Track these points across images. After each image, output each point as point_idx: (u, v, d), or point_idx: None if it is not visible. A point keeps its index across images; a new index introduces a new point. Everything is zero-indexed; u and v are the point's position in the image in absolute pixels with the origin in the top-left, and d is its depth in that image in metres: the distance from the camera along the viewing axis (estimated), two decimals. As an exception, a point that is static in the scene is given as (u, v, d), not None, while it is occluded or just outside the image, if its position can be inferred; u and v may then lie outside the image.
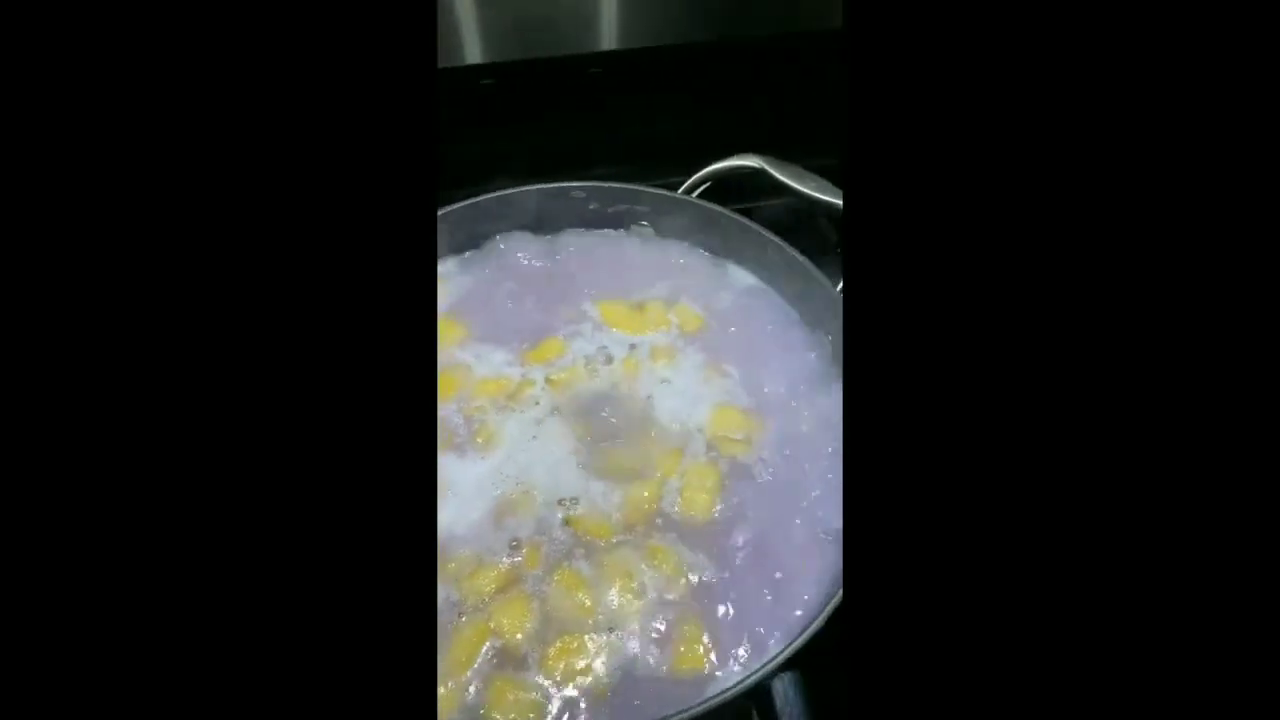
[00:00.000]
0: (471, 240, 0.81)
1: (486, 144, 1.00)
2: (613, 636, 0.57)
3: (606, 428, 0.68)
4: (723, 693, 0.51)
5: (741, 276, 0.79)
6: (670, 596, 0.59)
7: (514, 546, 0.61)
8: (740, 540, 0.62)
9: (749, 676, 0.52)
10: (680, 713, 0.50)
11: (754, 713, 0.66)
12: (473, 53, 0.94)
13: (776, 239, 0.75)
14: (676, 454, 0.66)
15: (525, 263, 0.80)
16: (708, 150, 0.84)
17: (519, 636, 0.57)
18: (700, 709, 0.50)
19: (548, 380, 0.71)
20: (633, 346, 0.73)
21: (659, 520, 0.62)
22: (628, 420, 0.68)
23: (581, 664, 0.56)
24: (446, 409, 0.70)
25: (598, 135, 1.04)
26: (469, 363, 0.73)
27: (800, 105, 0.98)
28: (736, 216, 0.77)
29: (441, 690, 0.55)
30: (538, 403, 0.69)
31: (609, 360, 0.72)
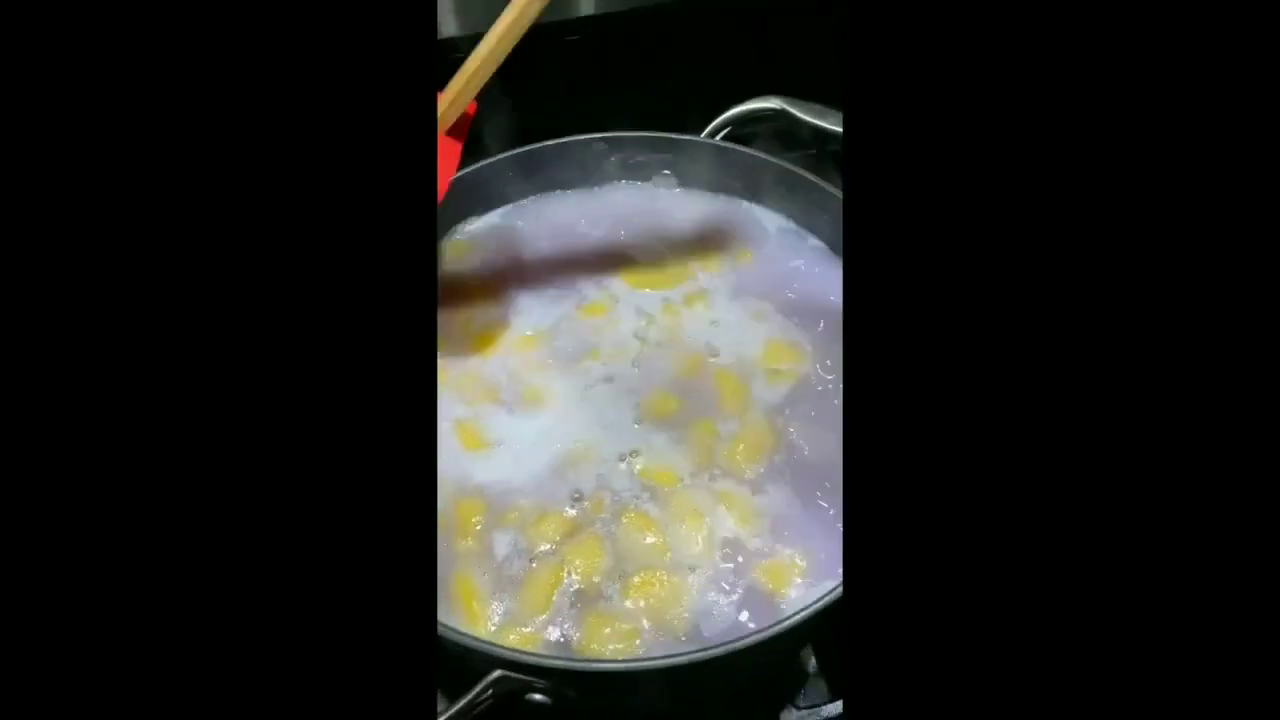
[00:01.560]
0: (488, 201, 0.80)
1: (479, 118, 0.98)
2: (687, 571, 0.57)
3: (663, 381, 0.67)
4: (772, 626, 0.50)
5: (771, 218, 0.79)
6: (740, 535, 0.58)
7: (576, 499, 0.60)
8: (804, 483, 0.61)
9: (795, 615, 0.50)
10: (728, 644, 0.49)
11: (812, 653, 0.65)
12: (447, 25, 0.92)
13: (808, 174, 0.74)
14: (738, 391, 0.65)
15: (549, 221, 0.79)
16: (715, 106, 0.83)
17: (596, 577, 0.56)
18: (744, 644, 0.49)
19: (593, 353, 0.69)
20: (666, 300, 0.72)
21: (718, 470, 0.61)
22: (683, 368, 0.67)
23: (663, 596, 0.55)
24: (490, 365, 0.68)
25: (594, 102, 1.02)
26: (508, 320, 0.71)
27: (802, 53, 0.97)
28: (763, 155, 0.76)
29: (524, 631, 0.54)
30: (588, 370, 0.68)
31: (650, 321, 0.71)
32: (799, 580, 0.56)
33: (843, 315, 0.62)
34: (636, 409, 0.65)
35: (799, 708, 0.62)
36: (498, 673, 0.48)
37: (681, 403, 0.65)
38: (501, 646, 0.49)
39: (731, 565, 0.57)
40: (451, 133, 0.70)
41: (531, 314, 0.72)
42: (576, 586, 0.56)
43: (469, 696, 0.48)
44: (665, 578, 0.56)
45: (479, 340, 0.70)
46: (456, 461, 0.63)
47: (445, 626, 0.49)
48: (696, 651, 0.48)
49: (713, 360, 0.67)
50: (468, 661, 0.51)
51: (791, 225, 0.77)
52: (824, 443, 0.62)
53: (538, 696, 0.49)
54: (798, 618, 0.50)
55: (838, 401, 0.64)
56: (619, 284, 0.74)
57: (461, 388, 0.67)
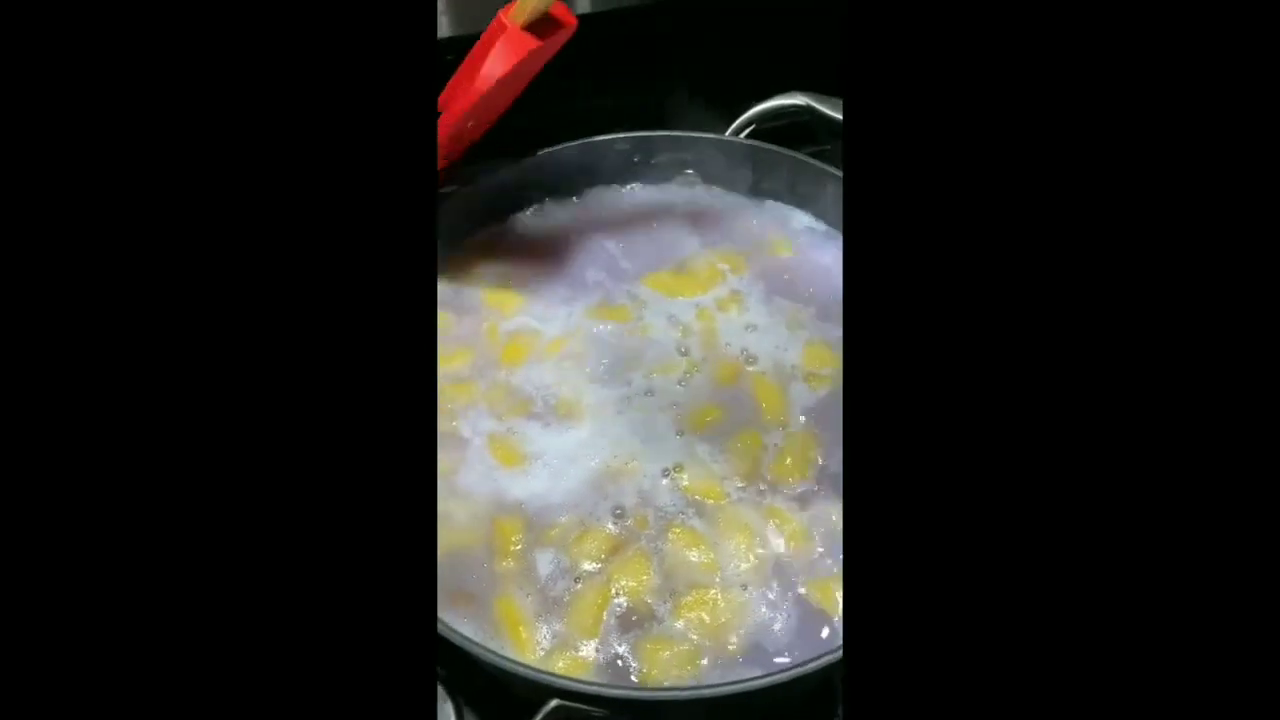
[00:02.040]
0: (511, 206, 0.78)
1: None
2: (739, 589, 0.55)
3: (705, 393, 0.65)
4: (836, 650, 0.48)
5: (800, 216, 0.77)
6: (790, 551, 0.57)
7: (618, 515, 0.58)
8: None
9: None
10: (786, 670, 0.48)
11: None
12: (441, 25, 0.90)
13: (836, 170, 0.72)
14: (779, 399, 0.64)
15: (574, 225, 0.77)
16: (737, 104, 0.81)
17: (646, 597, 0.54)
18: (805, 670, 0.48)
19: (633, 364, 0.66)
20: (699, 305, 0.70)
21: (764, 484, 0.60)
22: (722, 376, 0.66)
23: (716, 615, 0.54)
24: (520, 376, 0.66)
25: (601, 103, 1.00)
26: (536, 328, 0.69)
27: (824, 48, 0.95)
28: (789, 152, 0.75)
29: (574, 655, 0.52)
30: (628, 381, 0.66)
31: (686, 332, 0.68)
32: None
33: (843, 318, 0.60)
34: (678, 421, 0.63)
35: (842, 720, 0.60)
36: (555, 702, 0.46)
37: (723, 413, 0.63)
38: (559, 675, 0.48)
39: (783, 582, 0.55)
40: (533, 30, 0.63)
41: (559, 321, 0.70)
42: (625, 607, 0.54)
43: (528, 728, 0.46)
44: (718, 596, 0.54)
45: (507, 350, 0.68)
46: (492, 478, 0.61)
47: (498, 655, 0.48)
48: (755, 679, 0.47)
49: (750, 368, 0.66)
50: (519, 690, 0.49)
51: (821, 225, 0.76)
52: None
53: (597, 726, 0.48)
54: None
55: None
56: (647, 291, 0.71)
57: (492, 401, 0.65)
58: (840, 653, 0.48)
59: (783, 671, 0.47)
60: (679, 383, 0.65)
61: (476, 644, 0.48)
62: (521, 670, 0.47)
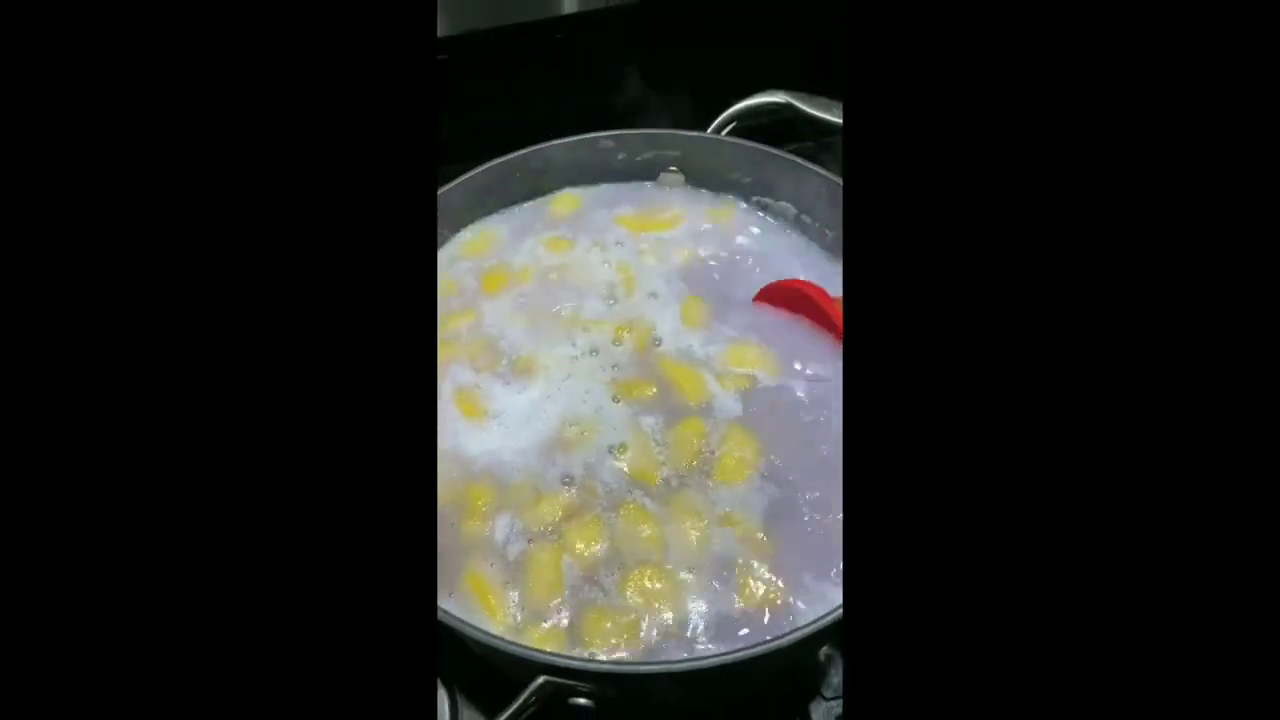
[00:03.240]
0: (497, 204, 0.79)
1: (467, 121, 0.97)
2: (685, 570, 0.58)
3: (639, 368, 0.68)
4: (799, 629, 0.50)
5: (776, 210, 0.79)
6: (738, 534, 0.59)
7: (567, 483, 0.61)
8: (800, 487, 0.61)
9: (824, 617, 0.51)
10: (764, 643, 0.49)
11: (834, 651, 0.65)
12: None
13: (815, 167, 0.74)
14: (702, 387, 0.67)
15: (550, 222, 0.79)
16: (715, 103, 0.83)
17: (594, 563, 0.57)
18: (779, 644, 0.49)
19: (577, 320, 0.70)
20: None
21: (707, 478, 0.62)
22: (661, 367, 0.68)
23: (659, 592, 0.56)
24: (489, 317, 0.71)
25: (586, 101, 1.01)
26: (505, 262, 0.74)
27: (804, 46, 0.97)
28: (770, 149, 0.76)
29: (544, 626, 0.55)
30: (573, 343, 0.69)
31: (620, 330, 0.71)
32: (793, 592, 0.57)
33: (843, 319, 0.62)
34: (614, 386, 0.66)
35: (826, 698, 0.62)
36: (542, 679, 0.48)
37: (656, 394, 0.66)
38: (549, 652, 0.50)
39: (725, 571, 0.58)
40: None
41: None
42: (580, 570, 0.57)
43: (516, 704, 0.48)
44: (662, 573, 0.57)
45: (487, 281, 0.73)
46: (453, 430, 0.63)
47: (488, 634, 0.50)
48: (740, 650, 0.49)
49: (692, 364, 0.68)
50: (501, 666, 0.51)
51: (806, 218, 0.77)
52: (805, 455, 0.63)
53: (582, 700, 0.50)
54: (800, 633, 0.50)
55: (835, 404, 0.65)
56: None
57: (473, 354, 0.68)
58: (815, 626, 0.49)
59: (764, 644, 0.49)
60: (613, 341, 0.69)
61: (467, 624, 0.50)
62: (513, 649, 0.49)
